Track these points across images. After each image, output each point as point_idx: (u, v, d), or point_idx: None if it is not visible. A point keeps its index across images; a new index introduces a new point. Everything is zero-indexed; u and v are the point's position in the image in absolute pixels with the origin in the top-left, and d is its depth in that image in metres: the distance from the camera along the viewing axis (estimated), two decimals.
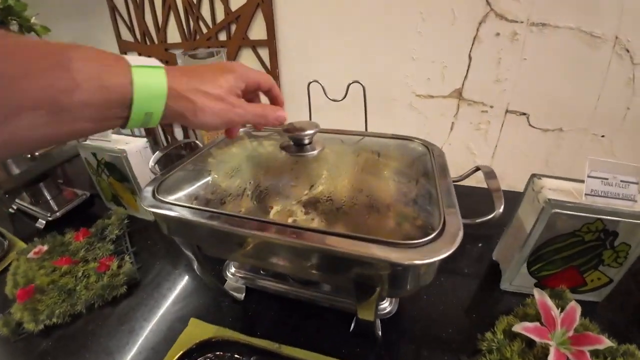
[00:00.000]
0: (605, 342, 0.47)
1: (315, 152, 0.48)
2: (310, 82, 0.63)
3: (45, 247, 0.71)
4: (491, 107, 1.07)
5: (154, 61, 0.32)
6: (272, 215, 0.39)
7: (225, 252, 0.49)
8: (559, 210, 0.49)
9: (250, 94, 0.42)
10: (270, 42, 1.12)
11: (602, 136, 1.09)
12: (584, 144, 1.09)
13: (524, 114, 1.07)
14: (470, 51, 1.04)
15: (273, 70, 1.14)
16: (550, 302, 0.52)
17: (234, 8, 1.13)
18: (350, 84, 0.62)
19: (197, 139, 0.88)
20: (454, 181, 0.48)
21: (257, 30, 1.15)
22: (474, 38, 1.02)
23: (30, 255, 0.69)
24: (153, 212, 0.42)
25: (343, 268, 0.37)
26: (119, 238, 0.74)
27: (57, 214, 0.83)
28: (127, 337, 0.56)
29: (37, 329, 0.57)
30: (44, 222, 0.82)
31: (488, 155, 1.12)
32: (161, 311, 0.59)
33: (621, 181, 0.50)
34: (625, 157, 1.11)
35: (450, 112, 1.10)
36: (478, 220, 0.41)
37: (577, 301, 0.53)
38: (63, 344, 0.56)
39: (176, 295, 0.62)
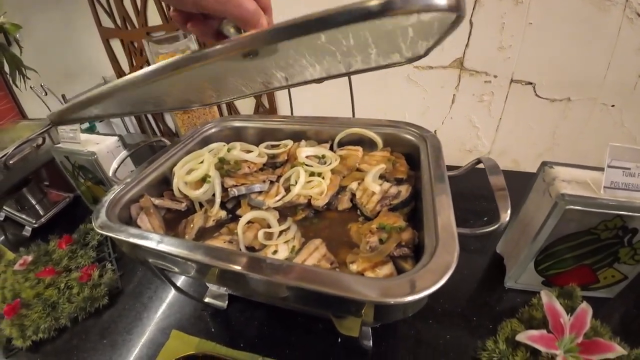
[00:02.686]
0: (617, 350, 0.42)
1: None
2: None
3: (30, 258, 0.67)
4: (495, 76, 0.97)
5: None
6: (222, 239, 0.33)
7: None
8: (573, 207, 0.41)
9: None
10: None
11: (612, 106, 0.99)
12: (592, 115, 0.99)
13: (530, 83, 0.97)
14: (471, 16, 0.92)
15: None
16: (559, 307, 0.46)
17: None
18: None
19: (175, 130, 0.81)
20: (452, 174, 0.41)
21: None
22: (475, 1, 0.90)
23: (17, 267, 0.66)
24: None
25: (315, 303, 0.31)
26: (101, 244, 0.70)
27: (42, 220, 0.79)
28: (110, 352, 0.52)
29: (26, 345, 0.55)
30: (30, 229, 0.78)
31: (492, 129, 1.03)
32: (143, 322, 0.55)
33: None
34: (635, 128, 1.02)
35: (451, 83, 1.00)
36: (479, 232, 0.34)
37: (588, 298, 0.48)
38: None
39: (157, 305, 0.58)
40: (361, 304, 0.27)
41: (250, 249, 0.37)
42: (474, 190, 0.39)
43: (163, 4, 1.10)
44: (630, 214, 0.41)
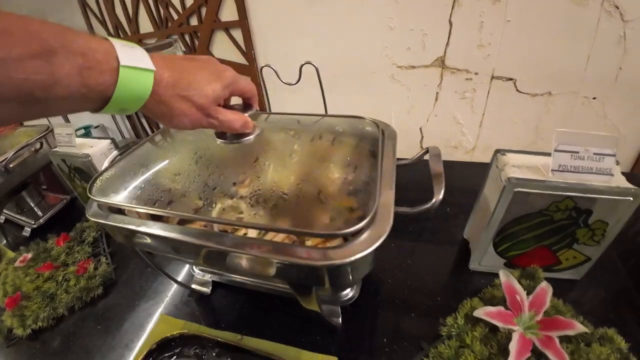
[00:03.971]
0: (577, 327, 0.44)
1: (251, 138, 0.44)
2: (263, 67, 0.59)
3: (30, 255, 0.72)
4: (476, 74, 1.01)
5: (145, 60, 0.30)
6: (197, 212, 0.37)
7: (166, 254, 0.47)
8: (521, 189, 0.45)
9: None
10: (243, 22, 1.06)
11: (594, 98, 1.02)
12: (574, 108, 1.02)
13: (511, 79, 1.00)
14: (451, 16, 0.96)
15: (248, 51, 1.08)
16: (516, 285, 0.49)
17: None
18: (302, 65, 0.57)
19: None
20: (404, 163, 0.44)
21: (229, 11, 1.09)
22: (454, 1, 0.95)
23: (17, 264, 0.70)
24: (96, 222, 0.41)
25: (261, 269, 0.35)
26: (96, 240, 0.74)
27: (41, 220, 0.84)
28: (104, 336, 0.57)
29: (26, 333, 0.59)
30: (29, 229, 0.82)
31: (475, 125, 1.07)
32: (134, 309, 0.60)
33: (594, 154, 0.45)
34: (617, 119, 1.05)
35: (433, 81, 1.04)
36: (416, 210, 0.37)
37: (553, 280, 0.50)
38: (49, 346, 0.58)
39: (148, 293, 0.62)
40: (300, 266, 0.31)
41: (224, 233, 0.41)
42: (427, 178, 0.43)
43: (153, 10, 1.15)
44: (579, 194, 0.44)
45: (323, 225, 0.35)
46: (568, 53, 0.98)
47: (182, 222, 0.43)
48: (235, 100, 0.44)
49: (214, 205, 0.39)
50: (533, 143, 1.07)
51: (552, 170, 0.45)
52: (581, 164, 0.45)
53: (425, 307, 0.52)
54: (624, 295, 0.56)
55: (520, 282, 0.51)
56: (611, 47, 0.97)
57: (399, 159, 0.45)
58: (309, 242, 0.36)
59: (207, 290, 0.57)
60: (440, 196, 0.37)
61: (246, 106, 0.43)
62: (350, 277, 0.34)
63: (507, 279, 0.49)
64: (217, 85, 0.35)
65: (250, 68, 1.11)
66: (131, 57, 0.29)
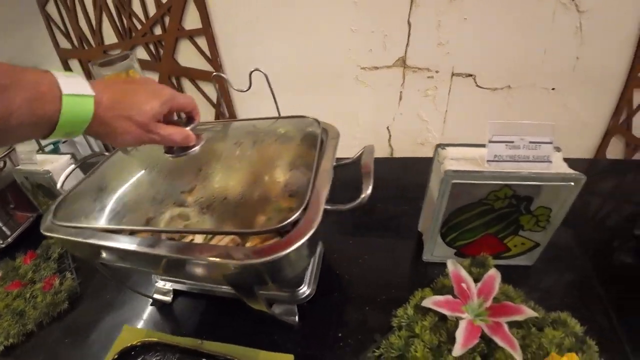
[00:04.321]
0: (526, 312, 0.45)
1: (197, 149, 0.45)
2: (214, 74, 0.59)
3: None
4: (436, 72, 1.03)
5: (85, 87, 0.34)
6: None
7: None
8: (458, 181, 0.47)
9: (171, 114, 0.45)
10: (206, 29, 1.07)
11: (553, 89, 1.05)
12: (534, 99, 1.05)
13: (471, 75, 1.03)
14: (409, 17, 0.99)
15: (214, 59, 1.09)
16: (463, 273, 0.50)
17: None
18: (252, 72, 0.58)
19: None
20: (345, 163, 0.46)
21: (192, 19, 1.09)
22: (411, 2, 0.97)
23: None
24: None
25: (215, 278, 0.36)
26: (61, 256, 0.74)
27: (9, 239, 0.83)
28: (70, 349, 0.58)
29: None
30: None
31: (439, 121, 1.09)
32: (100, 321, 0.61)
33: (530, 142, 0.47)
34: (578, 108, 1.08)
35: (397, 81, 1.06)
36: (347, 207, 0.39)
37: (507, 267, 0.52)
38: None
39: (112, 304, 0.63)
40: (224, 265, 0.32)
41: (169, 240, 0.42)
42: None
43: (116, 20, 1.15)
44: (515, 182, 0.46)
45: (260, 225, 0.36)
46: (525, 46, 1.01)
47: (133, 233, 0.44)
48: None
49: (163, 215, 0.41)
50: None
51: (488, 160, 0.47)
52: (517, 153, 0.47)
53: (381, 301, 0.54)
54: (580, 279, 0.59)
55: (471, 271, 0.53)
56: (568, 38, 1.00)
57: (340, 159, 0.47)
58: (248, 243, 0.38)
59: (168, 299, 0.58)
60: (368, 192, 0.38)
61: (189, 120, 0.46)
62: (286, 272, 0.35)
63: (454, 267, 0.51)
64: (155, 103, 0.38)
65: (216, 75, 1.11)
66: (72, 85, 0.32)
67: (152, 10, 1.11)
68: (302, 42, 1.06)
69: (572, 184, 0.47)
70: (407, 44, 1.02)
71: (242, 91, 0.68)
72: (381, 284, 0.56)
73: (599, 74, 1.06)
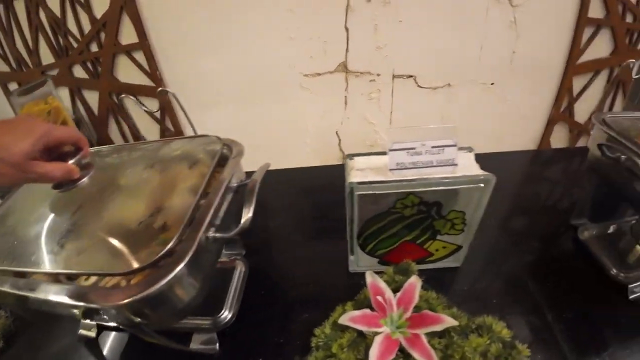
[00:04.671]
0: (445, 322, 0.44)
1: (85, 180, 0.43)
2: (122, 96, 0.57)
3: None
4: (378, 75, 1.03)
5: None
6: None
7: None
8: (362, 192, 0.46)
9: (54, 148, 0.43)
10: (143, 44, 1.04)
11: (492, 84, 1.07)
12: (475, 95, 1.07)
13: (411, 76, 1.03)
14: (346, 22, 0.98)
15: (153, 73, 1.06)
16: (381, 285, 0.50)
17: (98, 15, 1.04)
18: (159, 91, 0.56)
19: None
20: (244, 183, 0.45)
21: (129, 34, 1.06)
22: (347, 8, 0.97)
23: None
24: None
25: None
26: None
27: None
28: None
29: None
30: None
31: (385, 122, 1.09)
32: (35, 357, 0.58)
33: (433, 147, 0.47)
34: (518, 101, 1.10)
35: (340, 86, 1.06)
36: (229, 235, 0.37)
37: (435, 270, 0.51)
38: None
39: (45, 341, 0.60)
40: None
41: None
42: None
43: (52, 40, 1.11)
44: (418, 190, 0.46)
45: (141, 260, 0.34)
46: (461, 44, 1.02)
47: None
48: None
49: (45, 254, 0.38)
50: None
51: (390, 169, 0.46)
52: (420, 159, 0.47)
53: (305, 319, 0.53)
54: (512, 276, 0.59)
55: (395, 279, 0.52)
56: (503, 32, 1.02)
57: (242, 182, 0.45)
58: (133, 281, 0.36)
59: (92, 334, 0.55)
60: (248, 216, 0.37)
61: (76, 150, 0.44)
62: (169, 306, 0.33)
63: (372, 279, 0.50)
64: (26, 142, 0.38)
65: (157, 89, 1.08)
66: None
67: (87, 27, 1.07)
68: (241, 52, 1.04)
69: (482, 185, 0.47)
70: (347, 49, 1.02)
71: (151, 112, 0.66)
72: (310, 300, 0.55)
73: (537, 65, 1.08)
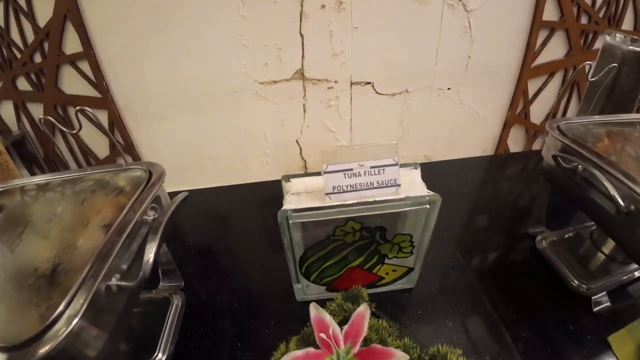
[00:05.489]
0: (395, 356, 0.37)
1: None
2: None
3: None
4: (335, 82, 0.95)
5: None
6: None
7: None
8: (297, 221, 0.37)
9: None
10: (88, 53, 0.92)
11: (449, 89, 1.01)
12: (432, 100, 1.00)
13: (369, 82, 0.96)
14: (300, 28, 0.90)
15: (99, 83, 0.95)
16: (326, 318, 0.42)
17: (42, 24, 0.92)
18: (77, 111, 0.45)
19: None
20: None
21: (73, 43, 0.94)
22: (300, 14, 0.88)
23: None
24: None
25: None
26: None
27: None
28: None
29: None
30: None
31: (346, 130, 1.02)
32: None
33: (372, 167, 0.39)
34: (474, 104, 1.05)
35: (298, 94, 0.97)
36: (132, 284, 0.29)
37: (389, 292, 0.44)
38: None
39: None
40: None
41: None
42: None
43: None
44: (358, 214, 0.38)
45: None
46: (417, 50, 0.96)
47: None
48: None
49: None
50: (401, 138, 1.04)
51: (327, 193, 0.38)
52: (359, 181, 0.39)
53: (248, 358, 0.44)
54: (468, 295, 0.52)
55: (344, 308, 0.44)
56: (457, 38, 0.96)
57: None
58: None
59: None
60: (151, 259, 0.28)
61: None
62: None
63: (316, 312, 0.42)
64: None
65: (104, 100, 0.97)
66: None
67: (30, 37, 0.95)
68: (193, 60, 0.94)
69: (427, 206, 0.39)
70: (303, 56, 0.93)
71: (72, 133, 0.56)
72: (254, 336, 0.47)
73: (492, 69, 1.04)
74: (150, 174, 0.42)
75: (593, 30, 1.07)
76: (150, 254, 0.30)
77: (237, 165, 1.05)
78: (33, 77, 1.00)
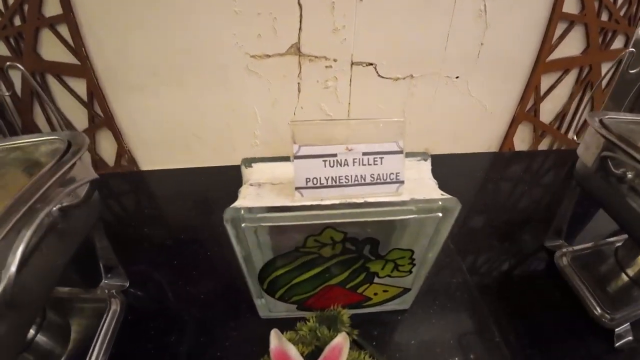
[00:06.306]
0: None
1: None
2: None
3: None
4: (335, 60, 0.80)
5: None
6: None
7: None
8: (252, 224, 0.24)
9: None
10: (68, 16, 0.77)
11: (457, 77, 0.86)
12: (438, 89, 0.86)
13: (371, 64, 0.81)
14: None
15: (78, 49, 0.80)
16: (291, 352, 0.29)
17: None
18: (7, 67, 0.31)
19: None
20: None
21: (53, 6, 0.79)
22: None
23: None
24: None
25: None
26: None
27: None
28: None
29: None
30: None
31: (343, 114, 0.87)
32: None
33: (365, 154, 0.25)
34: (483, 96, 0.90)
35: (292, 71, 0.82)
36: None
37: (377, 313, 0.31)
38: None
39: None
40: None
41: None
42: None
43: None
44: (340, 221, 0.24)
45: None
46: (426, 31, 0.80)
47: None
48: None
49: None
50: None
51: (297, 187, 0.24)
52: (344, 173, 0.25)
53: None
54: (469, 323, 0.39)
55: (317, 334, 0.31)
56: (471, 21, 0.81)
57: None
58: None
59: None
60: (12, 269, 0.14)
61: None
62: None
63: (277, 343, 0.29)
64: None
65: (83, 68, 0.82)
66: None
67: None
68: (178, 27, 0.78)
69: (440, 215, 0.26)
70: (300, 29, 0.78)
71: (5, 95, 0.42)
72: (202, 357, 0.34)
73: (505, 60, 0.89)
74: (69, 147, 0.28)
75: (613, 29, 0.92)
76: (14, 257, 0.17)
77: (223, 146, 0.91)
78: (12, 41, 0.85)
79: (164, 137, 0.92)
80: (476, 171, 0.74)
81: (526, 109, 0.96)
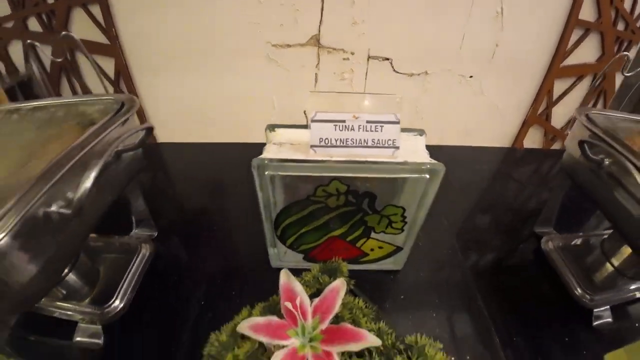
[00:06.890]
0: (364, 340, 0.31)
1: None
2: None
3: None
4: (352, 53, 0.88)
5: None
6: None
7: None
8: (272, 172, 0.31)
9: None
10: None
11: (470, 77, 0.92)
12: (451, 87, 0.92)
13: (387, 59, 0.88)
14: None
15: (109, 29, 0.89)
16: (296, 288, 0.36)
17: None
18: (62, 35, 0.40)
19: None
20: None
21: None
22: None
23: None
24: None
25: None
26: None
27: None
28: None
29: None
30: None
31: None
32: None
33: (368, 122, 0.32)
34: (495, 96, 0.96)
35: (311, 62, 0.90)
36: (69, 212, 0.24)
37: (373, 272, 0.38)
38: None
39: None
40: None
41: None
42: None
43: None
44: (344, 175, 0.32)
45: None
46: (443, 29, 0.87)
47: None
48: None
49: None
50: (413, 124, 0.96)
51: (312, 145, 0.32)
52: (351, 136, 0.32)
53: (209, 320, 0.39)
54: (455, 289, 0.46)
55: (320, 281, 0.39)
56: (487, 22, 0.87)
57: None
58: None
59: None
60: (87, 184, 0.23)
61: None
62: None
63: (286, 280, 0.36)
64: None
65: (112, 47, 0.91)
66: None
67: None
68: (202, 12, 0.87)
69: (427, 176, 0.33)
70: (321, 21, 0.85)
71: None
72: (220, 298, 0.42)
73: (519, 62, 0.94)
74: (122, 106, 0.36)
75: (628, 39, 0.96)
76: (87, 181, 0.24)
77: (239, 131, 0.99)
78: (44, 18, 0.95)
79: (182, 118, 1.00)
80: (482, 163, 0.80)
81: (538, 113, 1.02)
